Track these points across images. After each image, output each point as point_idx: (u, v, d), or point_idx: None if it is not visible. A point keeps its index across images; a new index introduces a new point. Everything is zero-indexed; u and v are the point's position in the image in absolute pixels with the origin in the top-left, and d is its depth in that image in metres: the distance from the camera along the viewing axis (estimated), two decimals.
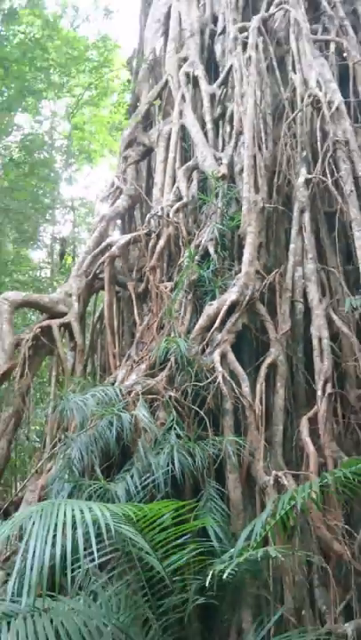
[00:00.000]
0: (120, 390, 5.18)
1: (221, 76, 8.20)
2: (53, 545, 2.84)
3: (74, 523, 2.84)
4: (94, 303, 8.10)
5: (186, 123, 8.03)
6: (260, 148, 6.84)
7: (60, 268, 12.30)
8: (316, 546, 4.62)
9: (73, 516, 2.88)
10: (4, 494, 7.38)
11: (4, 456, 6.57)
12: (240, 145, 7.13)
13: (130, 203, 8.37)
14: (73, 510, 2.93)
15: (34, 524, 2.81)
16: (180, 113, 8.16)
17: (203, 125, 7.94)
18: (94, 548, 2.82)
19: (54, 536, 2.80)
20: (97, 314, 7.84)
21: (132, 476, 4.36)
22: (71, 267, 13.87)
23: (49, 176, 15.61)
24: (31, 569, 2.67)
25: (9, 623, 3.04)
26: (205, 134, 7.80)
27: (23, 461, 8.65)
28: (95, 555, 2.93)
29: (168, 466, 4.43)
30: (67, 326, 7.02)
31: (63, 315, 6.98)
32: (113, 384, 5.83)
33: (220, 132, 7.97)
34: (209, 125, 7.89)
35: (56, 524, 2.82)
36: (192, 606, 3.81)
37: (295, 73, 7.25)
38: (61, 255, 12.18)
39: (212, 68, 8.85)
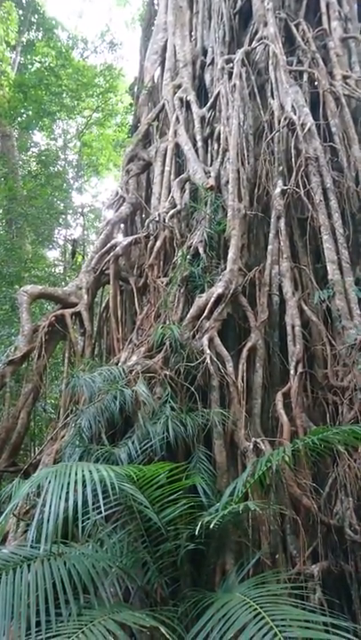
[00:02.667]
0: (123, 369, 5.17)
1: (210, 100, 8.10)
2: (66, 500, 2.84)
3: (84, 481, 2.84)
4: (101, 295, 8.05)
5: (179, 141, 7.95)
6: (242, 164, 6.79)
7: (72, 265, 12.19)
8: (289, 500, 4.65)
9: (83, 476, 2.88)
10: (24, 457, 7.36)
11: (25, 425, 6.56)
12: (226, 160, 7.05)
13: (131, 209, 8.29)
14: (83, 471, 2.93)
15: (50, 482, 2.81)
16: (175, 132, 8.07)
17: (194, 143, 7.84)
18: (101, 502, 2.83)
19: (67, 493, 2.81)
20: (103, 304, 7.79)
21: (133, 442, 4.36)
22: (81, 264, 13.81)
23: (62, 186, 15.49)
24: (48, 520, 2.67)
25: (29, 565, 3.05)
26: (196, 151, 7.71)
27: (40, 429, 8.61)
28: (102, 508, 2.94)
29: (164, 433, 4.44)
30: (77, 315, 6.97)
31: (74, 305, 6.93)
32: (117, 364, 5.82)
33: (209, 149, 7.87)
34: (199, 143, 7.80)
35: (69, 483, 2.82)
36: (183, 551, 3.82)
37: (273, 99, 7.17)
38: (73, 254, 12.07)
39: (202, 93, 8.74)
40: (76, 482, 2.82)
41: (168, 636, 2.72)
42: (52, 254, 16.63)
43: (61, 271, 14.35)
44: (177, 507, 3.78)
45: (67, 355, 6.84)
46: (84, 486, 2.83)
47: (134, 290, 6.97)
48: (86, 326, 6.83)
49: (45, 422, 8.45)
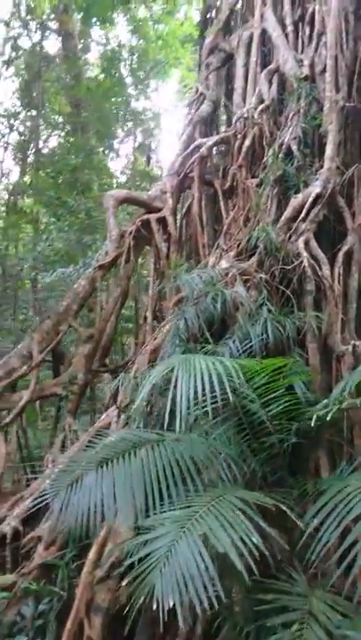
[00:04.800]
0: (219, 272, 5.16)
1: None
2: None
3: (208, 371, 2.95)
4: (182, 200, 7.92)
5: (266, 26, 7.29)
6: (341, 49, 6.18)
7: (148, 170, 11.94)
8: None
9: (207, 365, 2.98)
10: (112, 361, 7.69)
11: (113, 328, 6.85)
12: (321, 46, 6.46)
13: (212, 108, 7.90)
14: (206, 361, 3.04)
15: (179, 369, 2.93)
16: (261, 17, 7.40)
17: (283, 28, 7.16)
18: (228, 391, 2.93)
19: (195, 381, 2.92)
20: (184, 210, 7.66)
21: (233, 342, 4.44)
22: (148, 172, 13.58)
23: (125, 88, 14.95)
24: (180, 406, 2.82)
25: (152, 446, 3.30)
26: (286, 37, 7.06)
27: (121, 336, 8.92)
28: (220, 396, 3.05)
29: (263, 335, 4.48)
30: (162, 220, 6.94)
31: (159, 210, 6.88)
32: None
33: (300, 34, 7.16)
34: (289, 28, 7.11)
35: (195, 373, 2.94)
36: (285, 445, 3.96)
37: None
38: (148, 160, 11.78)
39: None
40: (201, 371, 2.93)
41: (290, 514, 2.92)
42: (114, 165, 16.38)
43: (124, 181, 14.22)
44: (281, 402, 3.88)
45: (152, 260, 6.91)
46: (208, 376, 2.94)
47: (220, 193, 6.78)
48: (171, 231, 6.80)
49: (123, 332, 8.79)
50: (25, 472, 6.08)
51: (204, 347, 4.58)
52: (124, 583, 2.55)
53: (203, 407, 3.77)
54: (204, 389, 2.85)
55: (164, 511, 2.91)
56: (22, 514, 5.03)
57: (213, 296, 4.65)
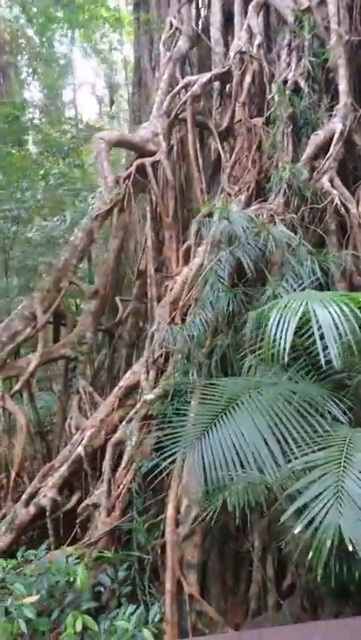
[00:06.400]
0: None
1: None
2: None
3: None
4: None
5: None
6: None
7: (110, 113, 11.12)
8: None
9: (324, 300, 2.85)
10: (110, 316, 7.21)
11: (112, 283, 6.44)
12: None
13: (190, 44, 7.43)
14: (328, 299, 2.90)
15: (317, 308, 2.75)
16: None
17: None
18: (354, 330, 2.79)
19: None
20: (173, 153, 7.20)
21: (286, 281, 4.30)
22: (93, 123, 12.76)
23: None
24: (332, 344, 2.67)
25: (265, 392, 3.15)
26: None
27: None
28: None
29: (313, 275, 4.38)
30: (154, 164, 6.49)
31: (152, 153, 6.43)
32: (210, 215, 5.53)
33: None
34: None
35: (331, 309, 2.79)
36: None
37: None
38: (111, 102, 10.98)
39: None
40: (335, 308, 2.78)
41: None
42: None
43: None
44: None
45: (148, 208, 6.50)
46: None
47: (215, 134, 6.45)
48: (168, 176, 6.38)
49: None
50: (40, 441, 5.67)
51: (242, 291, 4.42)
52: (296, 530, 2.41)
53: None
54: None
55: (305, 454, 2.79)
56: (58, 483, 4.69)
57: (264, 236, 4.42)
